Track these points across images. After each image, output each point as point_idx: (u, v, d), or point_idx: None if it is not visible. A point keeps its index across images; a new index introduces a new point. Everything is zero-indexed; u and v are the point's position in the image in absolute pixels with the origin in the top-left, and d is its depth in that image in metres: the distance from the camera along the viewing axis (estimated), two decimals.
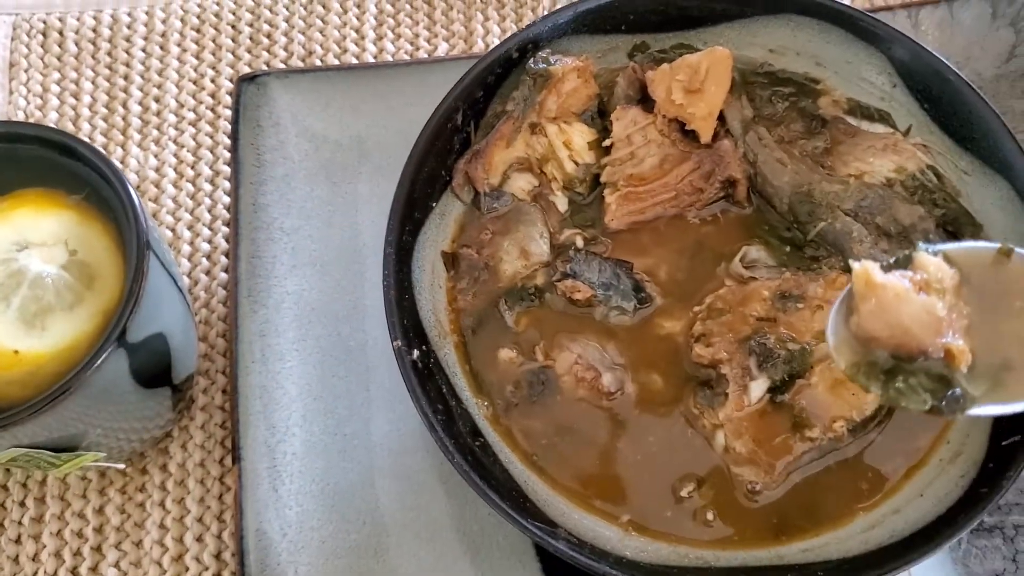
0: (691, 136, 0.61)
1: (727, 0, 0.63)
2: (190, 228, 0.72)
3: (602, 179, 0.61)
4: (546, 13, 0.64)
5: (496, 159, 0.61)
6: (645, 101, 0.63)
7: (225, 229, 0.72)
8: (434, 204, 0.61)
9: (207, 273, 0.71)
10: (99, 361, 0.49)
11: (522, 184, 0.62)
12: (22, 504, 0.64)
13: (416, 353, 0.56)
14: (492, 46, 0.76)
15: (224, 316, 0.69)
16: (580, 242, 0.60)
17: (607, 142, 0.61)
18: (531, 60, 0.61)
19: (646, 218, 0.61)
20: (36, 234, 0.52)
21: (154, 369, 0.55)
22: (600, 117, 0.63)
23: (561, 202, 0.62)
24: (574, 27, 0.63)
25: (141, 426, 0.59)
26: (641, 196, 0.61)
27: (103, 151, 0.53)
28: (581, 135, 0.61)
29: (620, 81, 0.63)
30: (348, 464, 0.63)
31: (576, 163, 0.61)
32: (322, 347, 0.66)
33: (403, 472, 0.63)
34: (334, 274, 0.68)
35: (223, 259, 0.71)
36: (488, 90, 0.62)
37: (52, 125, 0.75)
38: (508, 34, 0.77)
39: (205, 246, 0.71)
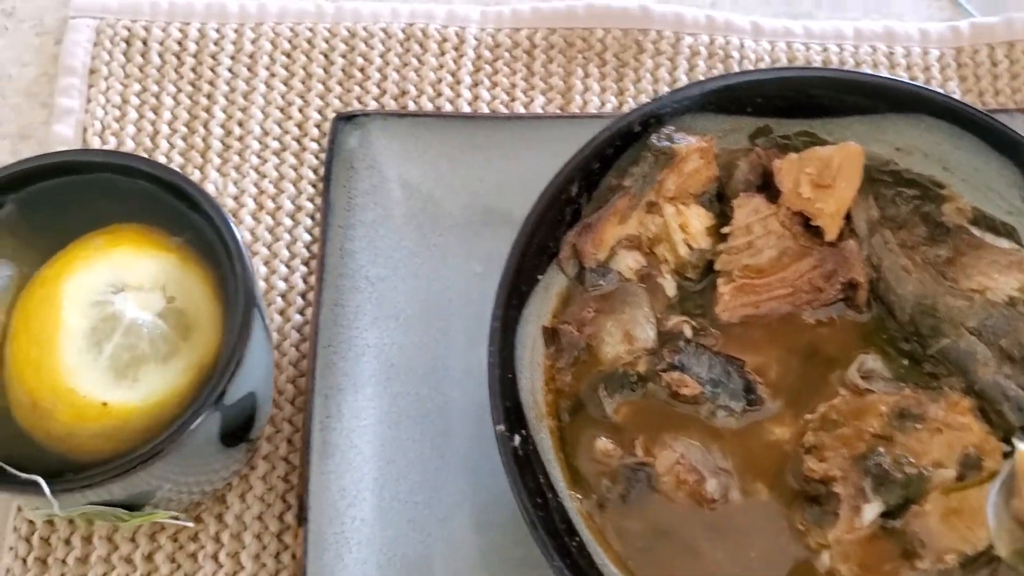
0: (814, 232, 0.59)
1: (859, 94, 0.60)
2: (266, 264, 0.69)
3: (716, 267, 0.59)
4: (672, 89, 0.61)
5: (607, 235, 0.58)
6: (766, 188, 0.60)
7: (303, 269, 0.69)
8: (540, 276, 0.58)
9: (281, 314, 0.68)
10: (194, 424, 0.46)
11: (630, 262, 0.59)
12: (67, 542, 0.61)
13: (517, 439, 0.53)
14: (591, 105, 0.74)
15: (295, 360, 0.66)
16: (689, 332, 0.57)
17: (725, 229, 0.58)
18: (654, 136, 0.58)
19: (759, 313, 0.59)
20: (133, 276, 0.49)
21: (239, 427, 0.52)
22: (718, 200, 0.60)
23: (669, 286, 0.59)
24: (699, 105, 0.60)
25: (207, 480, 0.55)
26: (756, 289, 0.58)
27: (211, 194, 0.49)
28: (699, 218, 0.59)
29: (742, 165, 0.60)
30: (417, 535, 0.60)
31: (690, 247, 0.59)
32: (399, 406, 0.63)
33: (474, 549, 0.60)
34: (416, 329, 0.65)
35: (299, 300, 0.68)
36: (605, 162, 0.59)
37: (131, 138, 0.72)
38: (607, 92, 0.75)
39: (281, 284, 0.68)
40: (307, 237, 0.70)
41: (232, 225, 0.49)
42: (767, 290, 0.58)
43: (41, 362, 0.46)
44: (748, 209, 0.58)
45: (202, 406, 0.46)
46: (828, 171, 0.58)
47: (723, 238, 0.59)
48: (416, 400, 0.63)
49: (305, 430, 0.60)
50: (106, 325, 0.47)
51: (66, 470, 0.46)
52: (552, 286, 0.59)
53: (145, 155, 0.71)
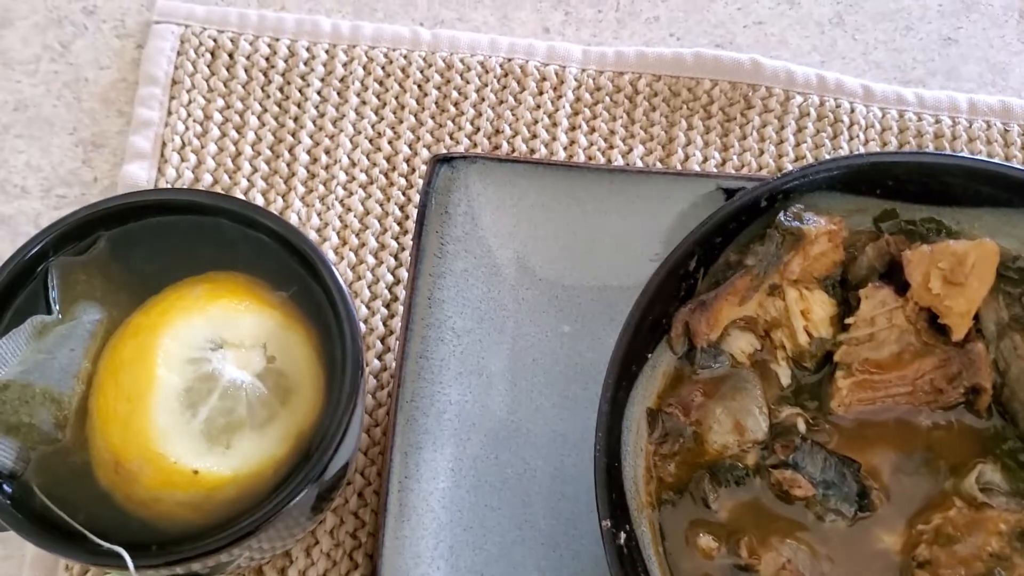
0: (939, 330, 0.55)
1: (995, 185, 0.57)
2: None
3: (836, 358, 0.55)
4: (803, 165, 0.58)
5: (724, 315, 0.55)
6: (890, 277, 0.57)
7: (384, 311, 0.66)
8: (649, 355, 0.55)
9: None
10: (292, 502, 0.42)
11: (743, 345, 0.56)
12: None
13: (623, 536, 0.49)
14: (693, 160, 0.70)
15: (371, 409, 0.63)
16: (803, 426, 0.54)
17: (850, 320, 0.55)
18: (783, 214, 0.55)
19: (874, 409, 0.55)
20: (233, 332, 0.46)
21: (329, 497, 0.49)
22: (840, 286, 0.57)
23: (784, 374, 0.56)
24: (828, 183, 0.57)
25: (282, 544, 0.52)
26: (875, 385, 0.55)
27: (320, 248, 0.46)
28: (822, 305, 0.55)
29: (869, 251, 0.56)
30: None
31: (810, 335, 0.55)
32: (478, 470, 0.60)
33: None
34: (499, 388, 0.62)
35: (378, 344, 0.65)
36: (727, 236, 0.56)
37: (212, 156, 0.68)
38: (710, 148, 0.71)
39: (360, 327, 0.65)
40: (389, 278, 0.67)
41: (344, 287, 0.46)
42: (886, 387, 0.55)
43: (130, 421, 0.43)
44: (875, 301, 0.55)
45: (302, 483, 0.43)
46: (961, 268, 0.54)
47: (844, 328, 0.55)
48: (496, 465, 0.60)
49: (383, 491, 0.57)
50: (202, 385, 0.44)
51: (147, 538, 0.43)
52: (659, 365, 0.55)
53: (226, 175, 0.68)
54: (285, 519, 0.44)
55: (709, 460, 0.54)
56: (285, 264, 0.48)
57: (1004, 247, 0.58)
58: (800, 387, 0.56)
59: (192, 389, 0.44)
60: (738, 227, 0.56)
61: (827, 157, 0.71)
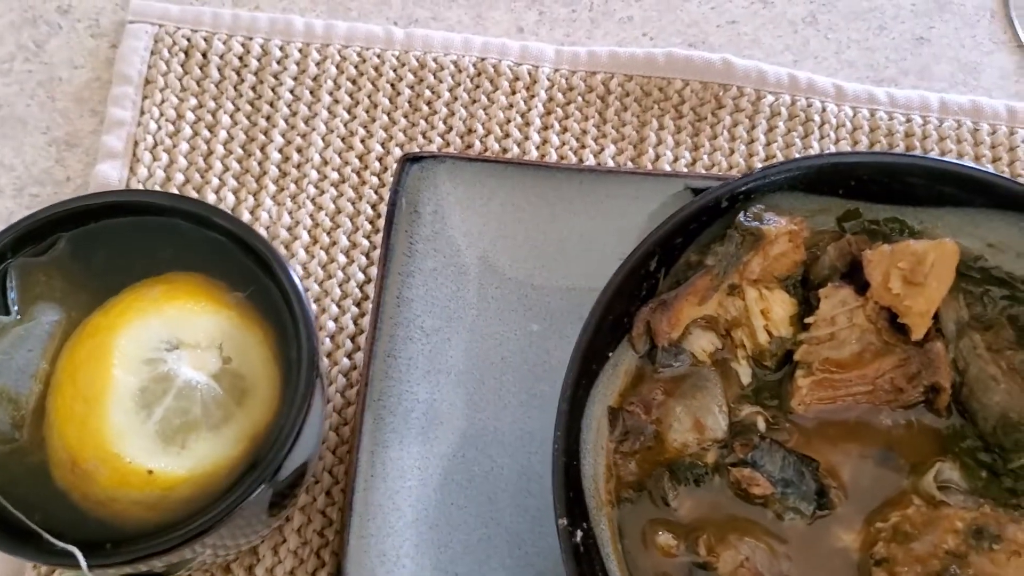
0: (899, 329, 0.56)
1: (958, 186, 0.57)
2: (316, 302, 0.66)
3: (796, 357, 0.55)
4: (764, 165, 0.58)
5: (684, 314, 0.55)
6: (851, 277, 0.57)
7: (354, 310, 0.66)
8: (610, 354, 0.55)
9: (328, 356, 0.65)
10: (246, 501, 0.43)
11: (704, 344, 0.56)
12: None
13: (580, 534, 0.50)
14: (664, 160, 0.71)
15: (340, 407, 0.63)
16: (762, 425, 0.55)
17: (810, 319, 0.55)
18: (743, 215, 0.55)
19: (834, 408, 0.56)
20: (189, 332, 0.46)
21: (287, 497, 0.49)
22: (801, 286, 0.57)
23: (744, 373, 0.56)
24: (790, 184, 0.57)
25: (246, 541, 0.53)
26: (835, 384, 0.55)
27: (276, 248, 0.47)
28: (782, 305, 0.56)
29: (830, 251, 0.57)
30: None
31: (771, 334, 0.56)
32: (445, 468, 0.60)
33: None
34: (467, 387, 0.63)
35: (348, 343, 0.65)
36: (688, 237, 0.56)
37: (183, 156, 0.69)
38: (681, 147, 0.72)
39: (330, 325, 0.65)
40: (360, 277, 0.67)
41: (300, 286, 0.46)
42: (846, 386, 0.55)
43: (86, 421, 0.44)
44: (835, 300, 0.55)
45: (255, 483, 0.43)
46: (921, 268, 0.55)
47: (804, 327, 0.56)
48: (463, 463, 0.61)
49: (349, 489, 0.57)
50: (158, 386, 0.44)
51: (104, 537, 0.43)
52: (621, 363, 0.56)
53: (198, 175, 0.68)
54: (240, 518, 0.44)
55: (669, 458, 0.54)
56: (242, 265, 0.48)
57: (966, 247, 0.58)
58: (761, 386, 0.56)
59: (147, 389, 0.44)
60: (699, 227, 0.56)
61: (796, 157, 0.71)
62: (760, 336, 0.56)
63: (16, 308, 0.46)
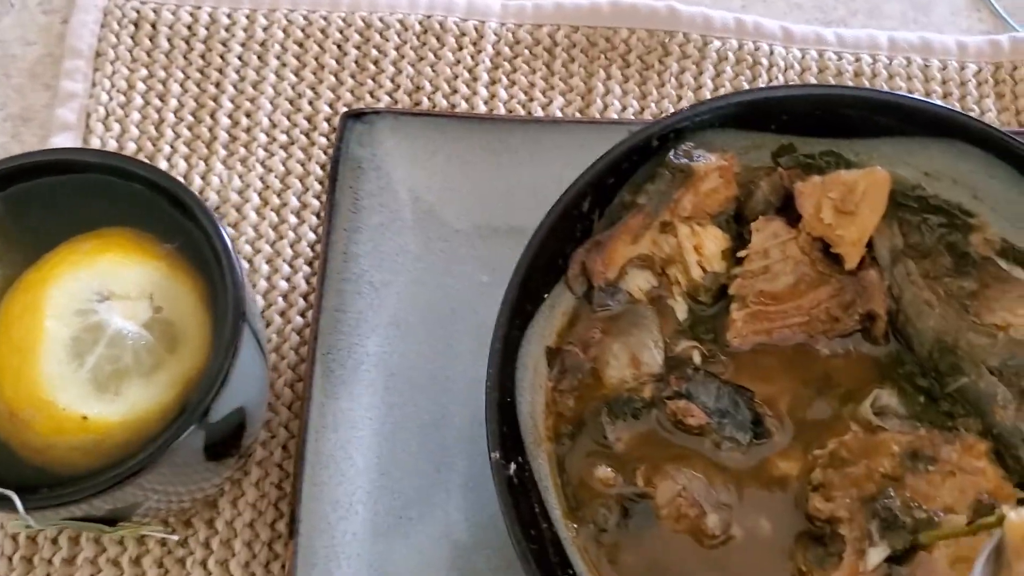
0: (833, 259, 0.56)
1: (891, 115, 0.58)
2: (269, 263, 0.67)
3: (730, 291, 0.56)
4: (693, 103, 0.58)
5: (618, 254, 0.56)
6: (785, 211, 0.57)
7: (306, 269, 0.67)
8: (546, 295, 0.56)
9: (281, 315, 0.66)
10: (175, 443, 0.44)
11: (640, 283, 0.57)
12: (55, 542, 0.59)
13: (513, 467, 0.51)
14: (612, 109, 0.71)
15: (295, 364, 0.64)
16: (698, 358, 0.55)
17: (742, 253, 0.56)
18: (672, 153, 0.56)
19: (771, 340, 0.56)
20: (120, 284, 0.47)
21: (227, 441, 0.50)
22: (735, 222, 0.58)
23: (680, 309, 0.57)
24: (721, 120, 0.58)
25: (197, 489, 0.54)
26: (771, 316, 0.56)
27: (205, 199, 0.47)
28: (714, 241, 0.56)
29: (763, 186, 0.57)
30: (409, 552, 0.58)
31: (704, 270, 0.56)
32: (395, 418, 0.61)
33: (468, 569, 0.58)
34: (417, 338, 0.63)
35: (300, 301, 0.66)
36: (620, 177, 0.57)
37: (135, 125, 0.70)
38: (629, 96, 0.72)
39: (283, 284, 0.66)
40: (312, 236, 0.68)
41: (224, 234, 0.47)
42: (781, 318, 0.56)
43: (21, 371, 0.45)
44: (767, 233, 0.56)
45: (184, 424, 0.44)
46: (852, 197, 0.55)
47: (739, 261, 0.56)
48: (414, 411, 0.62)
49: (300, 440, 0.58)
50: (89, 335, 0.46)
51: (43, 483, 0.45)
52: (558, 305, 0.57)
53: (150, 143, 0.69)
54: (176, 461, 0.45)
55: (607, 394, 0.55)
56: (171, 218, 0.49)
57: (902, 176, 0.59)
58: (696, 321, 0.57)
59: (79, 339, 0.45)
60: (631, 168, 0.57)
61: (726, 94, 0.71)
62: (694, 272, 0.56)
63: None
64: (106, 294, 0.47)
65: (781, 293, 0.56)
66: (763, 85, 0.71)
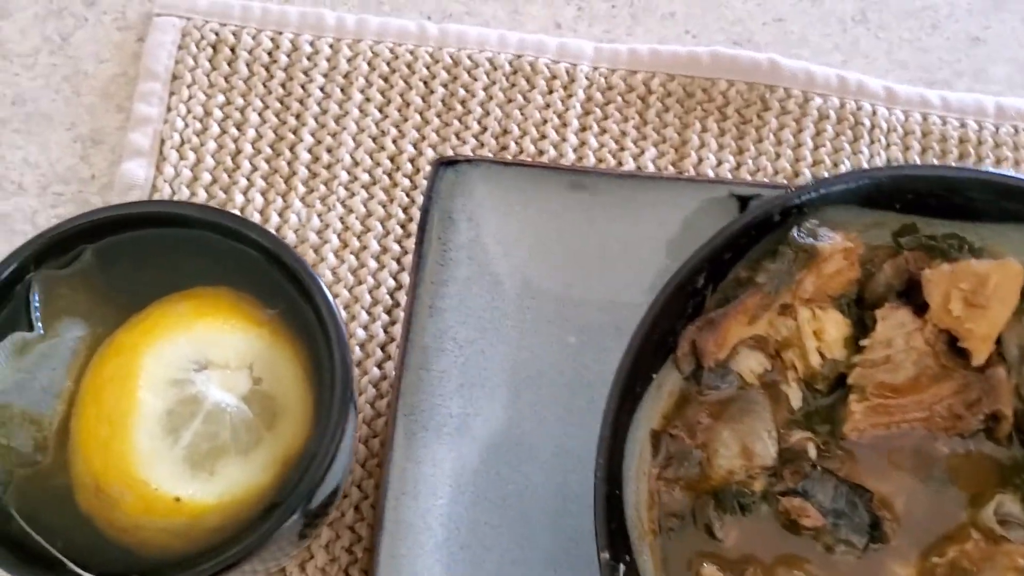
0: (959, 353, 0.53)
1: (1021, 202, 0.54)
2: (346, 308, 0.64)
3: (850, 380, 0.53)
4: (817, 179, 0.55)
5: (732, 334, 0.53)
6: (908, 295, 0.54)
7: (385, 317, 0.64)
8: (654, 375, 0.53)
9: (358, 365, 0.63)
10: (278, 531, 0.41)
11: (752, 364, 0.54)
12: None
13: (622, 568, 0.48)
14: (707, 164, 0.68)
15: (370, 419, 0.61)
16: (813, 452, 0.52)
17: (865, 341, 0.53)
18: (796, 230, 0.53)
19: (888, 435, 0.53)
20: (218, 352, 0.44)
21: (317, 522, 0.47)
22: (856, 305, 0.54)
23: (795, 396, 0.53)
24: (844, 197, 0.54)
25: (275, 564, 0.51)
26: (890, 409, 0.53)
27: (310, 266, 0.44)
28: (836, 326, 0.53)
29: (887, 269, 0.54)
30: None
31: (823, 356, 0.53)
32: (478, 486, 0.58)
33: None
34: (500, 400, 0.60)
35: (378, 352, 0.63)
36: (737, 252, 0.54)
37: (211, 155, 0.67)
38: (725, 151, 0.69)
39: (360, 332, 0.63)
40: (391, 283, 0.65)
41: (335, 306, 0.44)
42: (901, 412, 0.53)
43: (110, 444, 0.42)
44: (892, 322, 0.52)
45: (286, 513, 0.41)
46: (983, 290, 0.52)
47: (859, 349, 0.53)
48: (497, 480, 0.59)
49: (380, 507, 0.55)
50: (185, 409, 0.42)
51: (130, 566, 0.42)
52: (665, 384, 0.53)
53: (226, 175, 0.66)
54: (272, 546, 0.42)
55: (714, 486, 0.52)
56: (274, 280, 0.46)
57: None
58: (811, 410, 0.54)
59: (174, 412, 0.42)
60: (749, 242, 0.54)
61: (845, 164, 0.68)
62: (813, 358, 0.53)
63: (39, 323, 0.44)
64: (204, 363, 0.44)
65: (902, 386, 0.53)
66: (883, 155, 0.68)
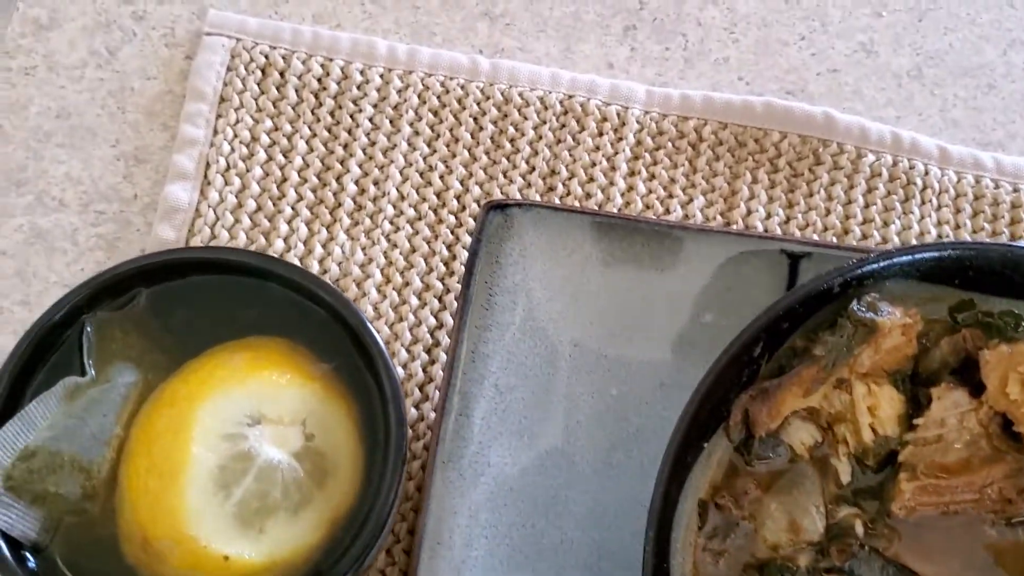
0: (1013, 436, 0.52)
1: None
2: (386, 344, 0.63)
3: (901, 458, 0.52)
4: (880, 251, 0.54)
5: (786, 405, 0.52)
6: (962, 373, 0.53)
7: (424, 356, 0.63)
8: (705, 444, 0.52)
9: None
10: None
11: (803, 436, 0.53)
12: None
13: None
14: (756, 216, 0.67)
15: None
16: (860, 529, 0.51)
17: (919, 420, 0.52)
18: (856, 304, 0.52)
19: (937, 515, 0.52)
20: (272, 406, 0.43)
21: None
22: (910, 380, 0.53)
23: (844, 471, 0.53)
24: (905, 271, 0.53)
25: None
26: (940, 490, 0.52)
27: (370, 323, 0.44)
28: (891, 403, 0.52)
29: (943, 346, 0.53)
30: None
31: (876, 432, 0.52)
32: (513, 538, 0.57)
33: None
34: (539, 451, 0.60)
35: (416, 392, 0.62)
36: (795, 321, 0.53)
37: (256, 181, 0.66)
38: (775, 203, 0.68)
39: (399, 370, 0.62)
40: (432, 321, 0.64)
41: (392, 365, 0.43)
42: (951, 492, 0.52)
43: (161, 498, 0.41)
44: (948, 402, 0.52)
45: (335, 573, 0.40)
46: None
47: (911, 426, 0.52)
48: (532, 534, 0.58)
49: (415, 557, 0.54)
50: (237, 465, 0.42)
51: None
52: (715, 453, 0.53)
53: (271, 202, 0.66)
54: None
55: (760, 560, 0.51)
56: (331, 333, 0.45)
57: None
58: (860, 486, 0.53)
59: (226, 468, 0.42)
60: (807, 312, 0.53)
61: (895, 224, 0.67)
62: (865, 434, 0.52)
63: (92, 368, 0.43)
64: (257, 417, 0.43)
65: (953, 466, 0.52)
66: (933, 216, 0.67)
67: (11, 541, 0.41)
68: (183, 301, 0.45)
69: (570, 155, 0.68)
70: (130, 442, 0.43)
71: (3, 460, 0.40)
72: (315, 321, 0.45)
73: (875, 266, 0.53)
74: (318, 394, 0.44)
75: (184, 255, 0.45)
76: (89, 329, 0.44)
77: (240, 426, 0.42)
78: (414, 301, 0.64)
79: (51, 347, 0.44)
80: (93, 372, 0.44)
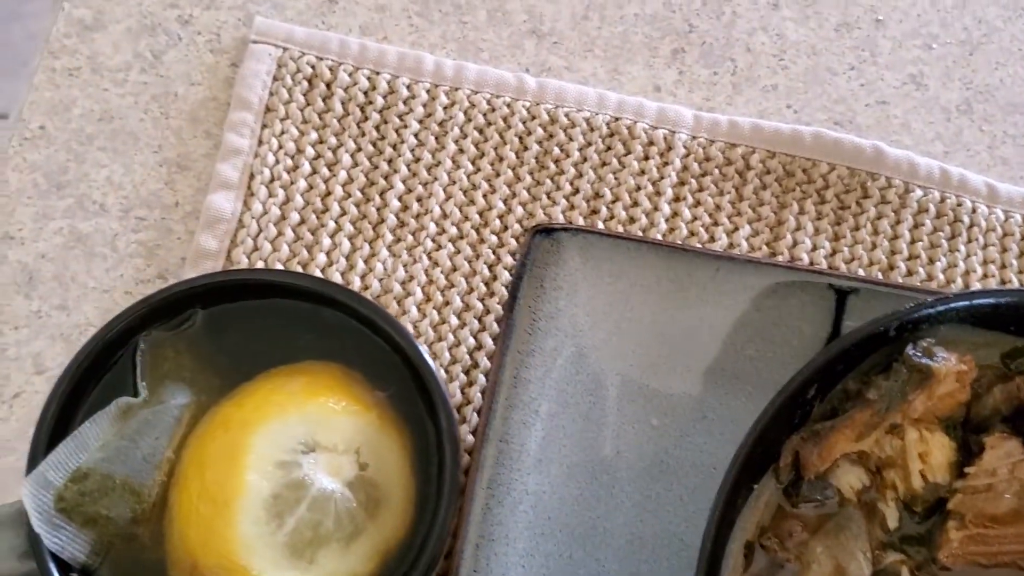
0: None
1: None
2: None
3: (950, 506, 0.52)
4: (938, 296, 0.54)
5: (837, 448, 0.51)
6: (1013, 421, 0.53)
7: (463, 377, 0.63)
8: (755, 486, 0.51)
9: None
10: None
11: (852, 480, 0.52)
12: None
13: None
14: (801, 248, 0.67)
15: None
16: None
17: (970, 469, 0.51)
18: (912, 349, 0.51)
19: (982, 564, 0.52)
20: (327, 434, 0.43)
21: None
22: (961, 427, 0.53)
23: (892, 517, 0.52)
24: (960, 316, 0.53)
25: None
26: (988, 540, 0.51)
27: (428, 355, 0.43)
28: (942, 450, 0.52)
29: (996, 393, 0.53)
30: None
31: (926, 479, 0.52)
32: (550, 568, 0.57)
33: None
34: (579, 480, 0.59)
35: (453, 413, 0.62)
36: (848, 364, 0.52)
37: (300, 194, 0.65)
38: (821, 235, 0.67)
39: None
40: (471, 342, 0.64)
41: (448, 397, 0.43)
42: (999, 542, 0.51)
43: (213, 525, 0.40)
44: (1000, 452, 0.51)
45: None
46: None
47: (962, 473, 0.52)
48: (569, 564, 0.57)
49: None
50: (291, 493, 0.41)
51: None
52: (763, 494, 0.52)
53: (314, 216, 0.65)
54: None
55: None
56: (387, 361, 0.44)
57: None
58: (907, 531, 0.52)
59: (280, 496, 0.41)
60: (861, 354, 0.52)
61: (941, 261, 0.67)
62: (915, 480, 0.52)
63: (144, 388, 0.43)
64: (311, 445, 0.42)
65: (1002, 516, 0.51)
66: (980, 255, 0.67)
67: (61, 563, 0.40)
68: (238, 322, 0.45)
69: (615, 178, 0.68)
70: (182, 466, 0.42)
71: (56, 481, 0.40)
72: (371, 348, 0.44)
73: (931, 311, 0.52)
74: (373, 423, 0.43)
75: (243, 276, 0.44)
76: (143, 348, 0.43)
77: (294, 453, 0.42)
78: (454, 321, 0.64)
79: (104, 366, 0.43)
80: (146, 393, 0.43)
